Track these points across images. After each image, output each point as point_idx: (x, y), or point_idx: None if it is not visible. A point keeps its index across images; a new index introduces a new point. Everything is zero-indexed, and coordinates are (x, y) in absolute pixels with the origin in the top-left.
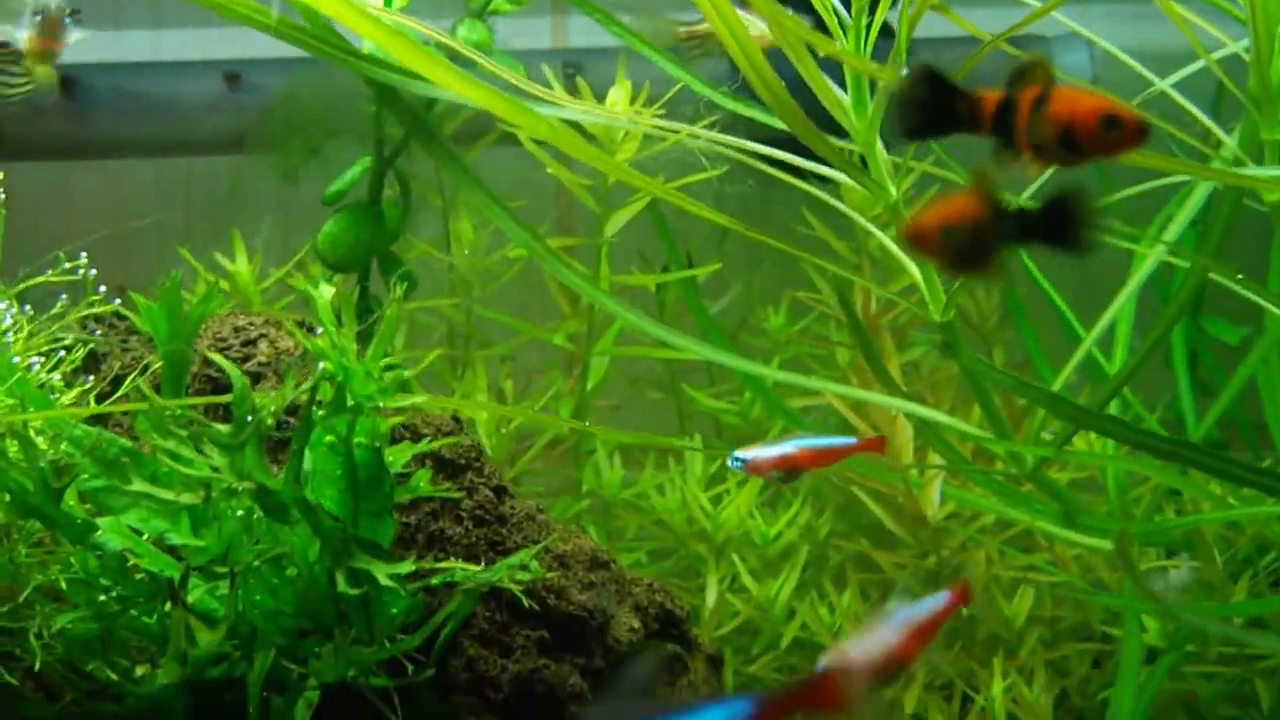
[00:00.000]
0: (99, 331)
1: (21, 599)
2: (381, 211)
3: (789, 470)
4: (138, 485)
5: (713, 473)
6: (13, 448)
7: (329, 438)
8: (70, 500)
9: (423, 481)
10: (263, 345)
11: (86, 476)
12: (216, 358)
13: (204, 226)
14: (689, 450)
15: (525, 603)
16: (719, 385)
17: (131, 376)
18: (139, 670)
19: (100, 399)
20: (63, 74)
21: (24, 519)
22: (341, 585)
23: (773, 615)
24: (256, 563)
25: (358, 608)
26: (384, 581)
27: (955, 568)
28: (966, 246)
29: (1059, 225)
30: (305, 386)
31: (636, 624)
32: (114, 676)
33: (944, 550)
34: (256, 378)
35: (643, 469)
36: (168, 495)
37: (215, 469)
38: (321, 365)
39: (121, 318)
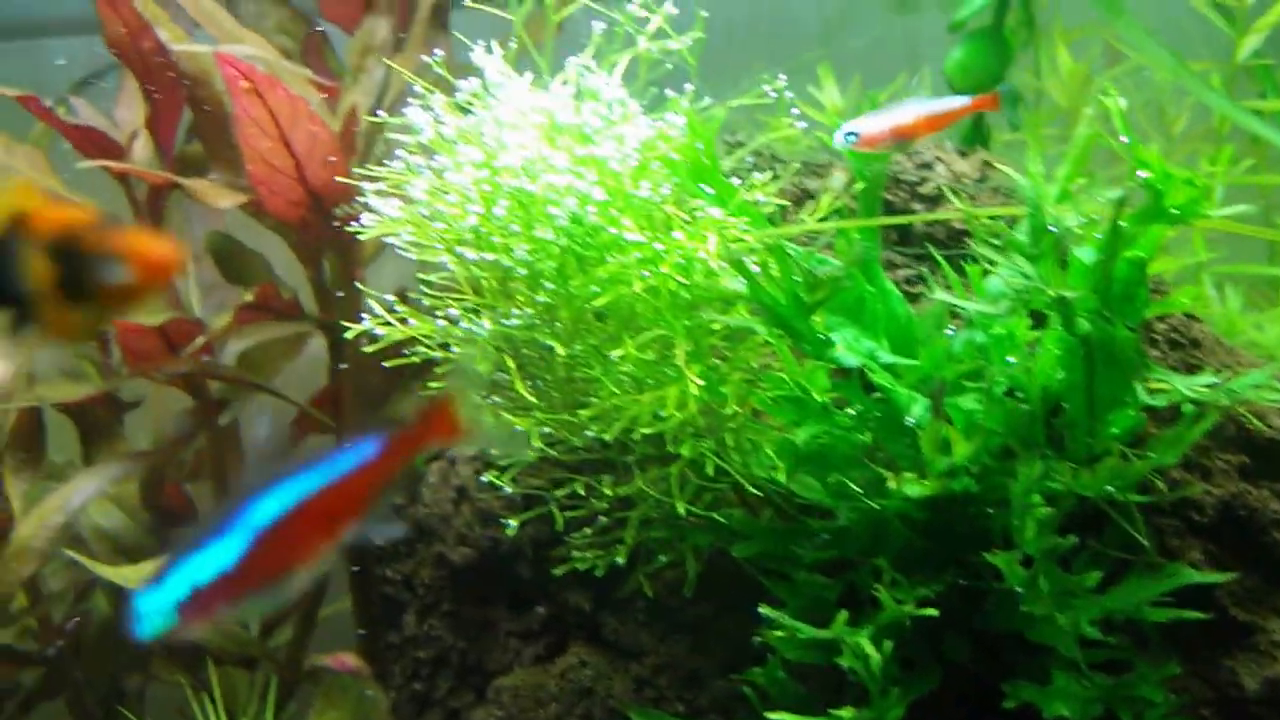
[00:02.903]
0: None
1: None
2: (1005, 38)
3: (906, 138)
4: (940, 293)
5: None
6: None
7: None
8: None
9: (1187, 297)
10: (939, 169)
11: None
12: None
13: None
14: None
15: (1255, 426)
16: None
17: (824, 200)
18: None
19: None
20: None
21: (776, 330)
22: (1142, 396)
23: None
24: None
25: (1083, 425)
26: (1188, 394)
27: None
28: None
29: None
30: (1111, 198)
31: None
32: (824, 495)
33: None
34: (934, 201)
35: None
36: (982, 307)
37: (1025, 278)
38: (1140, 174)
39: None
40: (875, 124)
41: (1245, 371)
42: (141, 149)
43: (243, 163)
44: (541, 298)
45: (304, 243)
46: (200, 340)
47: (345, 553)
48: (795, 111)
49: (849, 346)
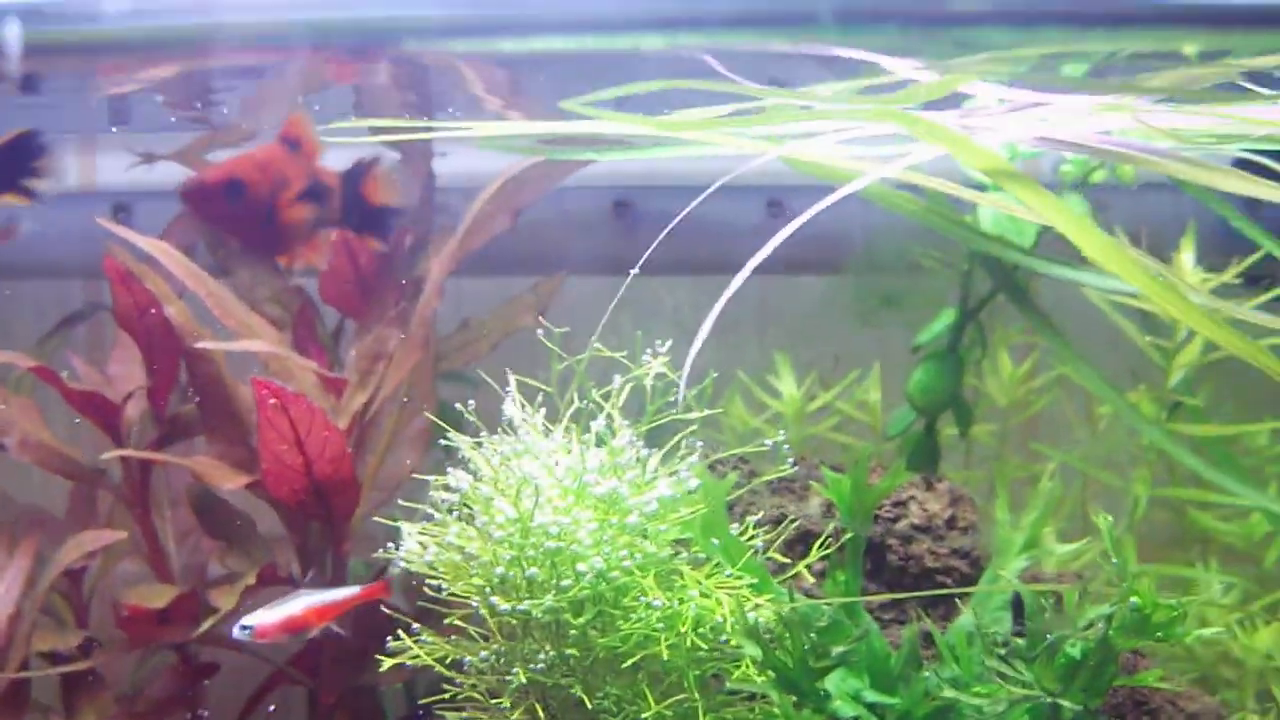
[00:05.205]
0: None
1: None
2: (960, 359)
3: (299, 629)
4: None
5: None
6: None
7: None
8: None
9: (1152, 678)
10: (913, 507)
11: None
12: None
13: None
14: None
15: None
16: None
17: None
18: None
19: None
20: (615, 199)
21: (785, 693)
22: None
23: None
24: None
25: None
26: None
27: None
28: None
29: None
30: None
31: None
32: None
33: None
34: (907, 539)
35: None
36: (976, 700)
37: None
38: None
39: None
40: (271, 617)
41: None
42: (134, 408)
43: (238, 433)
44: (569, 651)
45: (295, 519)
46: (207, 624)
47: None
48: (791, 461)
49: (839, 689)
